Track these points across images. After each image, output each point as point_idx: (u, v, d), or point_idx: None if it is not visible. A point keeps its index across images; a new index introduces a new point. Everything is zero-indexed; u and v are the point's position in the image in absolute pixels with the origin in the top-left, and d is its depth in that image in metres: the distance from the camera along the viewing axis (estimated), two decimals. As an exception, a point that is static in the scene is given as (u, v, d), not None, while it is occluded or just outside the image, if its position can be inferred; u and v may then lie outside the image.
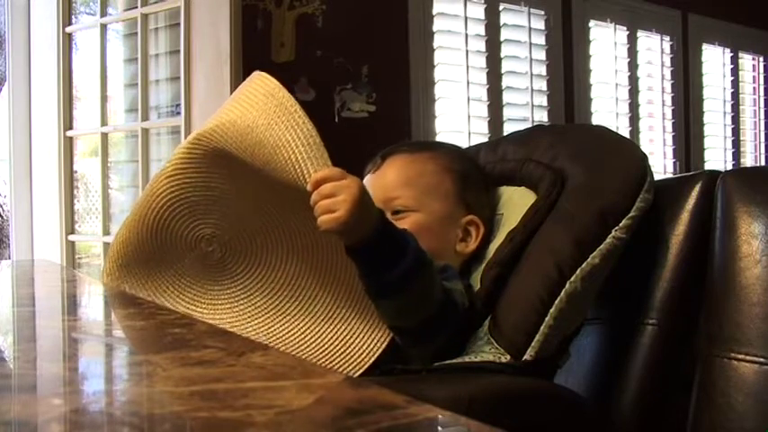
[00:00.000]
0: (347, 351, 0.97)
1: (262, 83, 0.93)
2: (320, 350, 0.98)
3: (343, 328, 0.98)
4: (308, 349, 0.98)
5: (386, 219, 0.94)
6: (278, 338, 0.99)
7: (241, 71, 1.97)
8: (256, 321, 1.00)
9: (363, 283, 0.94)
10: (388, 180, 1.16)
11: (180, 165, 0.96)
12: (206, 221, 0.99)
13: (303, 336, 0.99)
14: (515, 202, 1.17)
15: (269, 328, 0.99)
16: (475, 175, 1.20)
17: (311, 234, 0.96)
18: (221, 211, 0.99)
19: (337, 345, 0.98)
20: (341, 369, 0.96)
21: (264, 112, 0.90)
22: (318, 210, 0.87)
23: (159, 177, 0.98)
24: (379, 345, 0.97)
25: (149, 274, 1.02)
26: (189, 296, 1.02)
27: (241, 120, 0.92)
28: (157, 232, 0.99)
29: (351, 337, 0.98)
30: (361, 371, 0.96)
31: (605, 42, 3.62)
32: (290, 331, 0.99)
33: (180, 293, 1.01)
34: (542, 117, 3.36)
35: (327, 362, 0.97)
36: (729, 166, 4.12)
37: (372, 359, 0.97)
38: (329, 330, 0.98)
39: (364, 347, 0.97)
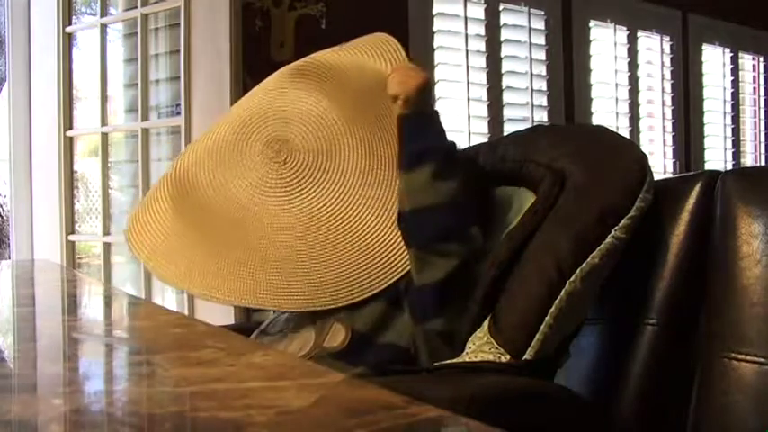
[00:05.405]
0: (370, 268, 1.12)
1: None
2: (348, 263, 1.12)
3: (372, 245, 1.13)
4: (336, 259, 1.12)
5: (436, 112, 1.19)
6: (314, 246, 1.13)
7: (241, 71, 1.97)
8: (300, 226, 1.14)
9: (401, 154, 1.13)
10: None
11: (280, 82, 1.24)
12: (287, 131, 1.18)
13: (335, 247, 1.13)
14: (515, 203, 1.17)
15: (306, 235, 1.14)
16: None
17: (369, 159, 1.16)
18: (303, 123, 1.18)
19: (363, 260, 1.12)
20: (360, 284, 1.11)
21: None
22: (395, 76, 1.15)
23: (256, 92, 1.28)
24: (395, 272, 1.12)
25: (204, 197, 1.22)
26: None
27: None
28: (236, 140, 1.21)
29: (374, 257, 1.13)
30: (371, 292, 1.11)
31: (605, 42, 3.62)
32: (325, 240, 1.13)
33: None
34: (542, 117, 3.36)
35: (352, 274, 1.11)
36: (729, 166, 4.12)
37: (385, 284, 1.11)
38: (360, 245, 1.13)
39: (383, 269, 1.12)
